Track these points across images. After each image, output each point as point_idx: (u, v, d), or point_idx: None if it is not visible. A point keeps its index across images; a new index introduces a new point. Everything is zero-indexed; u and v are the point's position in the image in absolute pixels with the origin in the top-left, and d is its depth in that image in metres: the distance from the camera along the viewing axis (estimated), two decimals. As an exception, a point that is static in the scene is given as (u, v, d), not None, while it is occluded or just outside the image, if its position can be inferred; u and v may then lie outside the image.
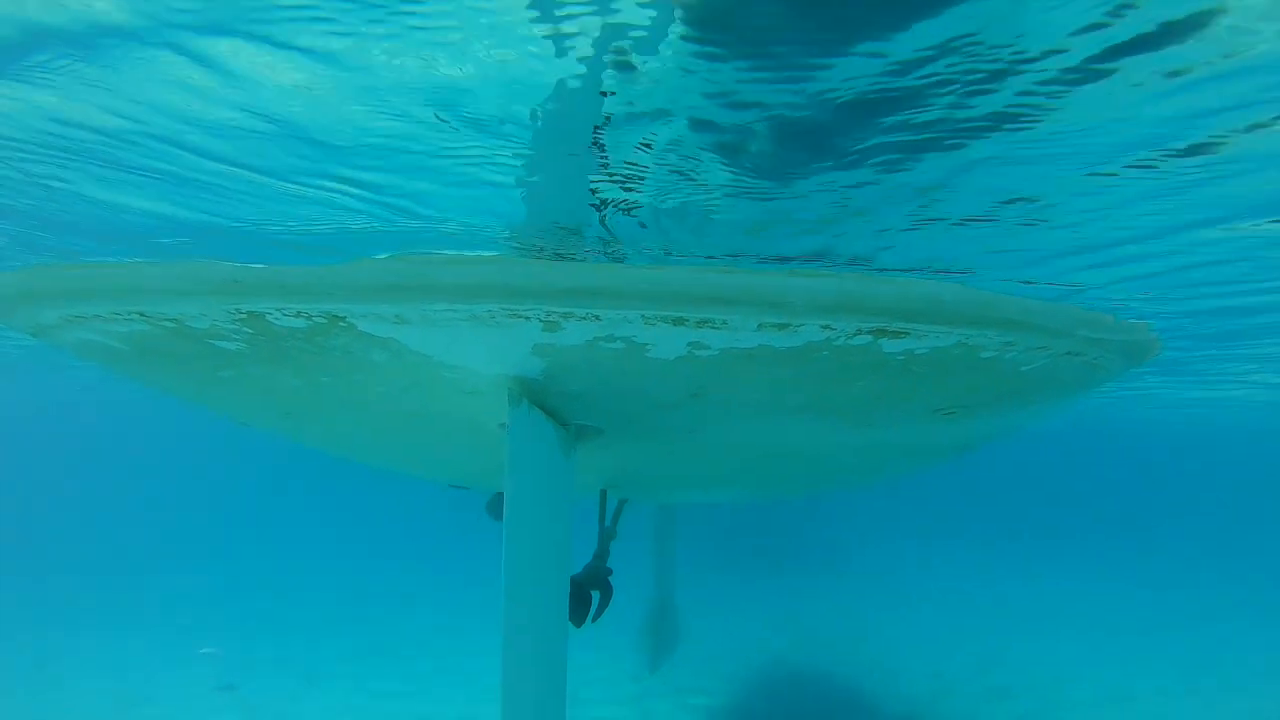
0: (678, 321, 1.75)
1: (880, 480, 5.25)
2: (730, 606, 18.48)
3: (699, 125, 2.10)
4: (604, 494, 4.07)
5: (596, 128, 2.12)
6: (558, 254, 3.32)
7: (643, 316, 1.73)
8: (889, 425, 2.85)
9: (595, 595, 3.90)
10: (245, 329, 1.95)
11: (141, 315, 1.99)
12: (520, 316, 1.73)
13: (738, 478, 4.09)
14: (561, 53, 1.74)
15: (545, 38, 1.69)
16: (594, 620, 3.85)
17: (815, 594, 20.58)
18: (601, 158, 2.30)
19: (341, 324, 1.84)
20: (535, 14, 1.60)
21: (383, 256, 1.84)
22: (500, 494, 6.01)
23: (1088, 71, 1.79)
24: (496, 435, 2.80)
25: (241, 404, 2.92)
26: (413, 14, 1.62)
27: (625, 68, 1.81)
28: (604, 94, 1.94)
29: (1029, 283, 3.67)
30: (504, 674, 2.00)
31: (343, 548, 29.64)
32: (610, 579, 3.92)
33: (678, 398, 2.30)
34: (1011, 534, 34.86)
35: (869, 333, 1.87)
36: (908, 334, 1.91)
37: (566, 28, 1.63)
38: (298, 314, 1.81)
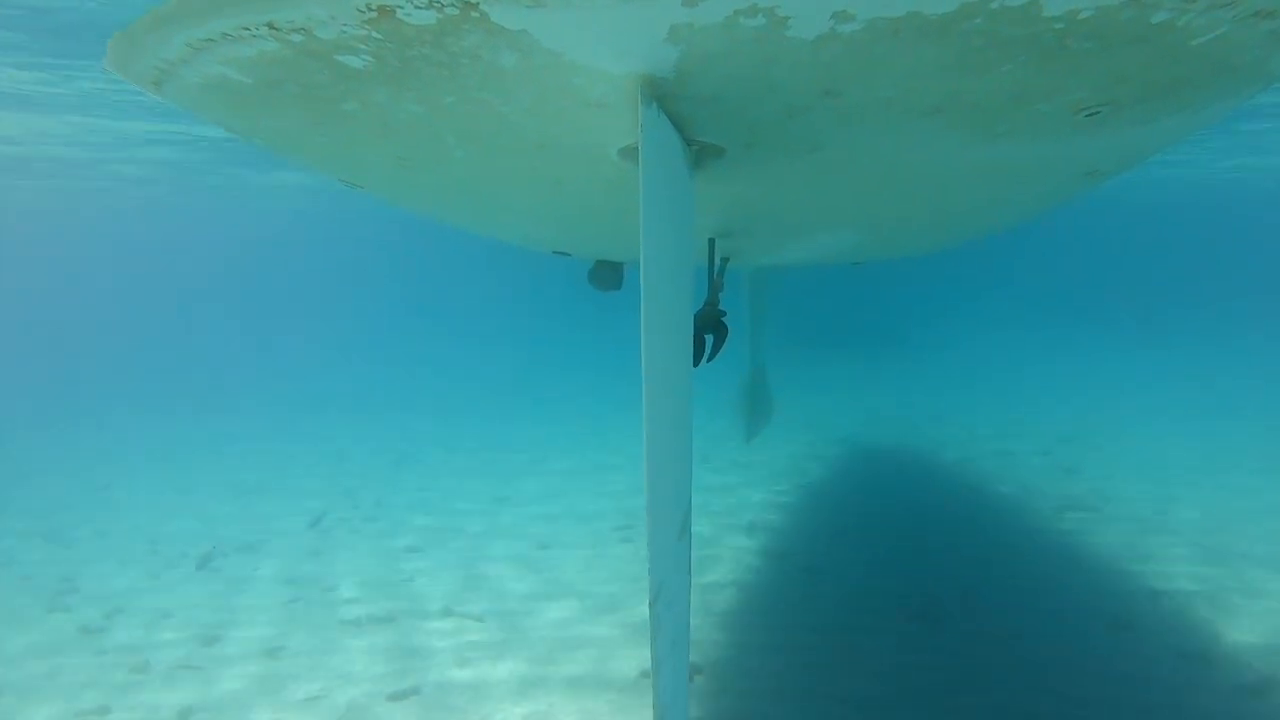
0: None
1: (998, 225, 5.07)
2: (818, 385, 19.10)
3: None
4: (713, 242, 4.10)
5: None
6: None
7: None
8: (1023, 134, 2.69)
9: (709, 339, 4.07)
10: (374, 34, 1.92)
11: (270, 28, 1.97)
12: None
13: (849, 218, 4.02)
14: None
15: None
16: (710, 360, 4.03)
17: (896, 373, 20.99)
18: None
19: (474, 14, 1.79)
20: None
21: None
22: (600, 262, 6.15)
23: None
24: (614, 173, 2.79)
25: (358, 149, 2.96)
26: None
27: None
28: None
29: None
30: (645, 370, 2.11)
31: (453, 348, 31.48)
32: (724, 320, 4.05)
33: (809, 98, 2.20)
34: (1089, 317, 34.27)
35: None
36: None
37: None
38: (429, 2, 1.76)
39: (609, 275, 6.27)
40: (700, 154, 2.64)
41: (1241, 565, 7.02)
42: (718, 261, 4.38)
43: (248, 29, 2.03)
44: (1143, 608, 6.14)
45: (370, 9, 1.83)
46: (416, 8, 1.80)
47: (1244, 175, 21.86)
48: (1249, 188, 24.34)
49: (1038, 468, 10.73)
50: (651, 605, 2.25)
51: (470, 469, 12.26)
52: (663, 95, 2.13)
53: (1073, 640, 5.64)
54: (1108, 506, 8.82)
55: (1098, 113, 2.53)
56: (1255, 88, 2.78)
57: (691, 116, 2.31)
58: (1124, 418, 14.03)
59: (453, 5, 1.77)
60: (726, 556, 7.66)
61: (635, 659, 5.71)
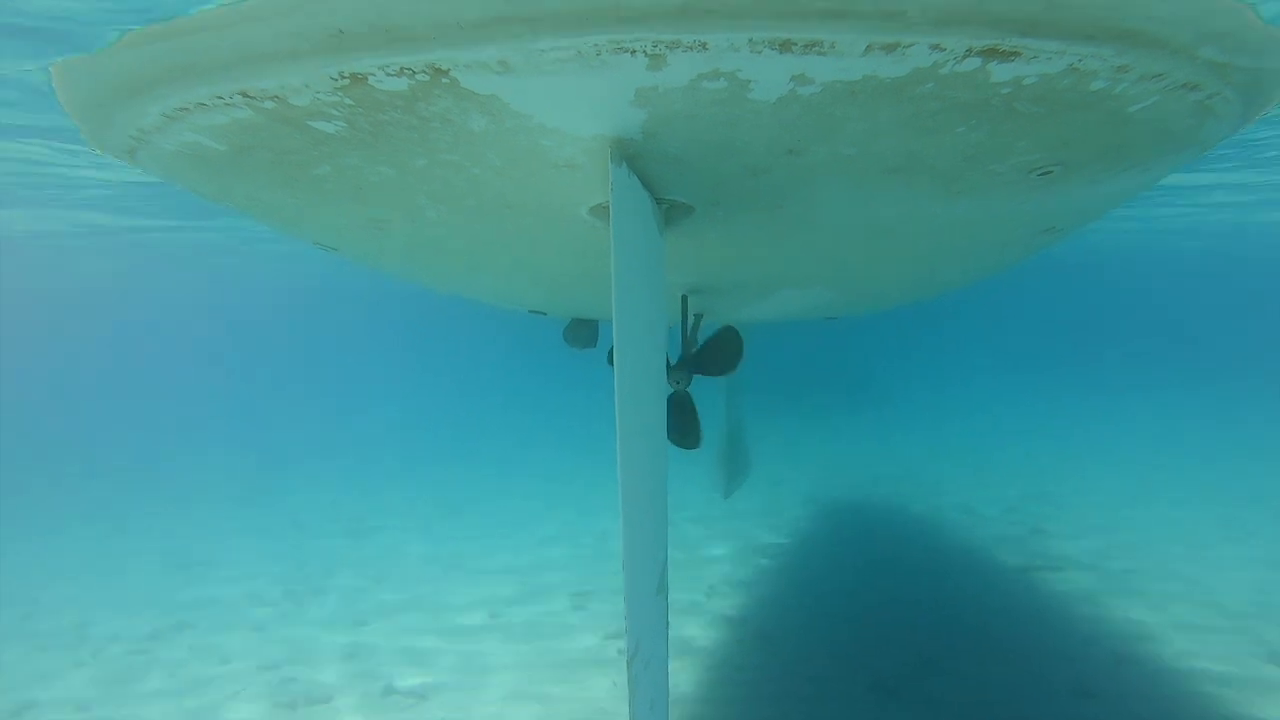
0: (785, 46, 1.71)
1: (963, 280, 5.18)
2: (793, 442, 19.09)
3: None
4: (685, 300, 4.15)
5: None
6: None
7: (750, 41, 1.69)
8: (980, 192, 2.79)
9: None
10: (346, 100, 1.97)
11: (244, 96, 2.02)
12: (626, 50, 1.71)
13: (817, 275, 4.10)
14: None
15: None
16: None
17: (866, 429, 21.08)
18: None
19: (444, 80, 1.84)
20: None
21: None
22: (576, 320, 6.19)
23: None
24: (585, 231, 2.84)
25: (331, 212, 2.99)
26: None
27: None
28: None
29: None
30: (620, 429, 2.11)
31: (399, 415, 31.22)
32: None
33: (772, 158, 2.27)
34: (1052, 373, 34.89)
35: (980, 53, 1.80)
36: (1019, 54, 1.82)
37: None
38: (400, 70, 1.81)
39: (584, 333, 6.31)
40: (670, 212, 2.70)
41: (1203, 626, 6.91)
42: (691, 318, 4.43)
43: (222, 97, 2.07)
44: (1107, 673, 5.99)
45: (343, 77, 1.88)
46: (388, 75, 1.85)
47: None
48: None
49: (1003, 526, 10.58)
50: (629, 664, 2.21)
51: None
52: (631, 155, 2.19)
53: (1036, 709, 5.49)
54: (1072, 568, 8.68)
55: (1049, 172, 2.63)
56: (1193, 152, 2.92)
57: (660, 176, 2.37)
58: (1091, 473, 14.00)
59: (424, 72, 1.83)
60: (683, 620, 7.48)
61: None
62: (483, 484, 15.64)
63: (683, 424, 4.51)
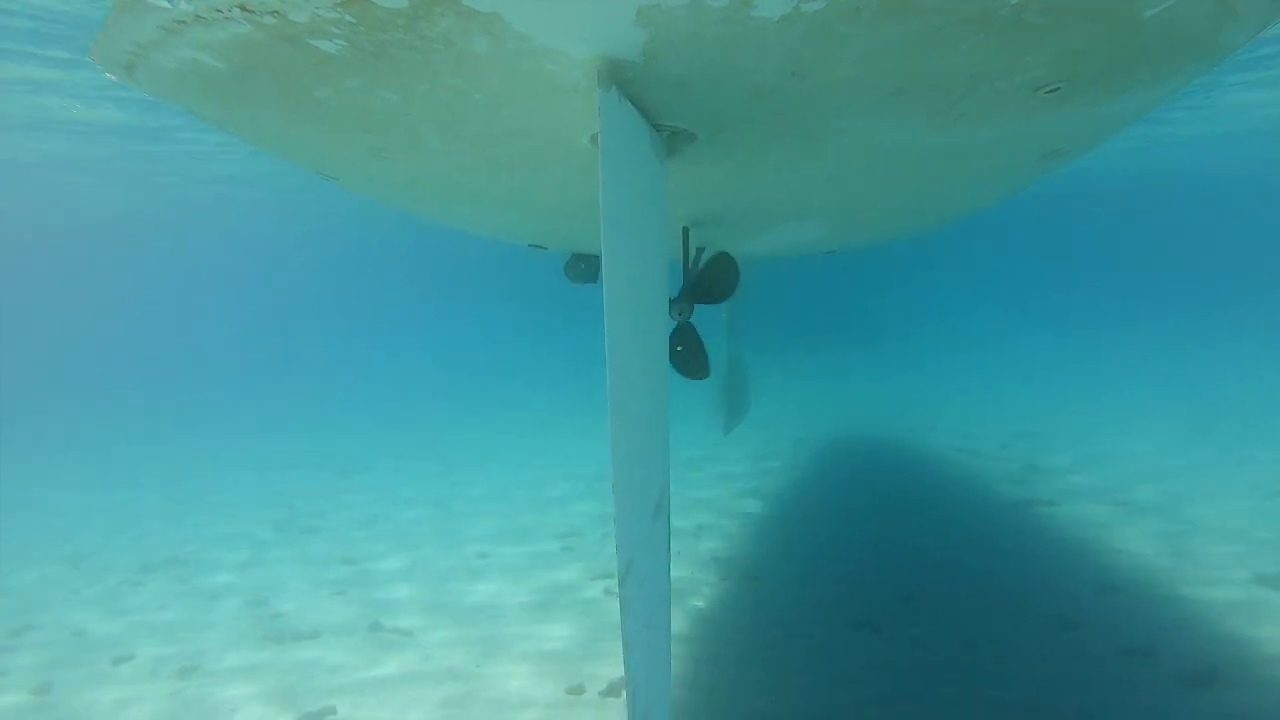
0: None
1: (964, 209, 5.15)
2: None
3: None
4: (686, 231, 4.15)
5: None
6: None
7: None
8: (985, 113, 2.76)
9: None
10: (346, 17, 1.94)
11: (242, 10, 1.99)
12: None
13: (821, 205, 4.08)
14: None
15: None
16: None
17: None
18: None
19: None
20: None
21: None
22: (576, 255, 6.17)
23: None
24: (586, 160, 2.82)
25: (333, 139, 2.97)
26: None
27: None
28: None
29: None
30: (609, 360, 2.12)
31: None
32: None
33: (776, 78, 2.25)
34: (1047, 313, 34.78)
35: None
36: None
37: None
38: None
39: (585, 268, 6.29)
40: (672, 140, 2.68)
41: (1189, 555, 6.98)
42: (693, 251, 4.42)
43: (220, 11, 2.04)
44: (1089, 604, 6.03)
45: None
46: None
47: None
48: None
49: (996, 463, 10.62)
50: (620, 585, 2.24)
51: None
52: (630, 79, 2.17)
53: (1019, 642, 5.52)
54: (1064, 501, 8.72)
55: (1057, 89, 2.59)
56: (1209, 61, 2.86)
57: (661, 101, 2.35)
58: (1087, 412, 13.94)
59: None
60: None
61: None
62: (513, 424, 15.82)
63: (690, 355, 4.55)
